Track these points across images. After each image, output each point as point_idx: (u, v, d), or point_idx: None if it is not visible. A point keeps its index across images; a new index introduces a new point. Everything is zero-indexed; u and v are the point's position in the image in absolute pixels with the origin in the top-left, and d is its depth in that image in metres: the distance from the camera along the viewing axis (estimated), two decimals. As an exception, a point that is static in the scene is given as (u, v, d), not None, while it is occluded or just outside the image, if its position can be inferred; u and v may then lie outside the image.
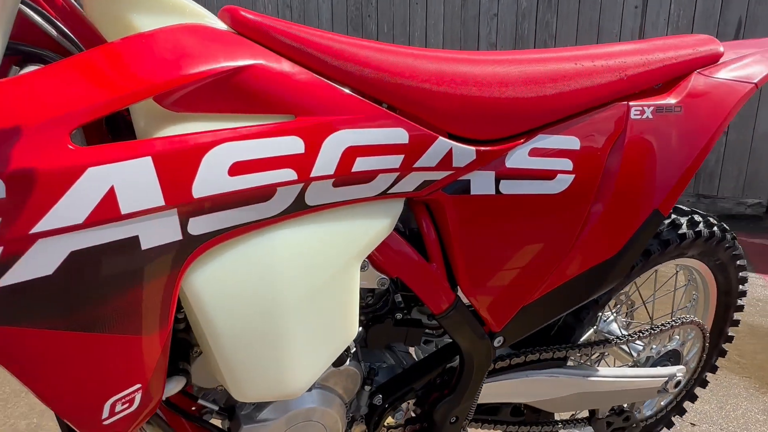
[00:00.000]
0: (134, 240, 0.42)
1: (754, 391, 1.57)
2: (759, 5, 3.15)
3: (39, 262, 0.39)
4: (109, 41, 0.49)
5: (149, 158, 0.42)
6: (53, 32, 0.48)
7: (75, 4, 0.55)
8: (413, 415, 0.79)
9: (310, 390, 0.65)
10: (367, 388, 0.72)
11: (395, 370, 0.77)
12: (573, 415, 1.12)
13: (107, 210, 0.40)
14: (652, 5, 3.40)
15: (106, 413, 0.45)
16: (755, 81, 0.81)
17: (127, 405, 0.46)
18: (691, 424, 1.43)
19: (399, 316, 0.71)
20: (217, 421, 0.71)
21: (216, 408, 0.65)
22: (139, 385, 0.46)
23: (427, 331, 0.74)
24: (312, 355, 0.55)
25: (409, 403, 0.77)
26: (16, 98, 0.37)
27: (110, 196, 0.40)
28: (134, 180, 0.41)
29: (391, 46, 0.61)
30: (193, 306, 0.48)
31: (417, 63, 0.60)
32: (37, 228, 0.38)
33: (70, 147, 0.38)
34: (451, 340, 0.80)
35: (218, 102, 0.47)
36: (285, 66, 0.51)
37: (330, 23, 4.39)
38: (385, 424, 0.76)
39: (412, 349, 0.89)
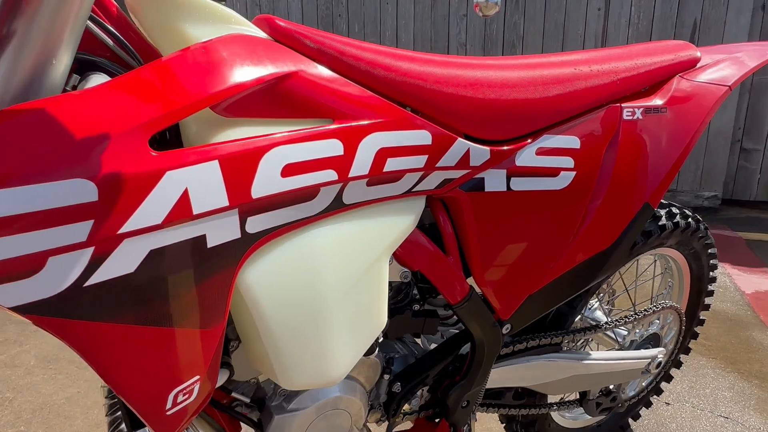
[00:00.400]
0: (202, 239, 0.45)
1: (720, 370, 1.69)
2: (712, 9, 3.33)
3: (123, 261, 0.41)
4: (160, 49, 0.51)
5: (216, 162, 0.44)
6: (109, 41, 0.50)
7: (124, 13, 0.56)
8: (427, 401, 0.83)
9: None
10: (386, 376, 0.76)
11: (408, 360, 0.81)
12: (562, 398, 1.19)
13: (182, 211, 0.42)
14: (614, 8, 3.55)
15: (169, 404, 0.47)
16: (729, 84, 0.88)
17: (187, 396, 0.49)
18: (666, 403, 1.53)
19: (416, 307, 0.75)
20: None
21: (247, 400, 0.67)
22: (198, 377, 0.49)
23: (442, 321, 0.79)
24: (350, 343, 0.58)
25: (423, 389, 0.81)
26: (100, 108, 0.39)
27: (184, 198, 0.42)
28: (204, 182, 0.43)
29: (413, 53, 0.65)
30: (246, 299, 0.51)
31: (437, 69, 0.64)
32: (124, 229, 0.40)
33: (152, 153, 0.41)
34: (460, 330, 0.85)
35: (264, 107, 0.50)
36: (323, 73, 0.54)
37: (300, 22, 4.38)
38: (402, 410, 0.80)
39: (418, 340, 0.93)
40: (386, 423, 0.81)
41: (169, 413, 0.47)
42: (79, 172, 0.37)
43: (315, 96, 0.53)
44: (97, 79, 0.44)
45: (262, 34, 0.54)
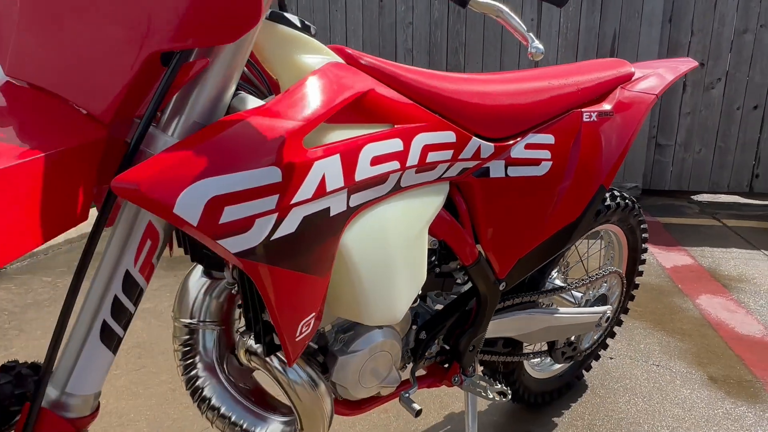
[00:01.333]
0: (327, 209, 0.62)
1: (650, 330, 2.01)
2: (628, 21, 3.77)
3: (290, 224, 0.57)
4: (276, 74, 0.67)
5: (338, 155, 0.62)
6: (246, 69, 0.66)
7: None
8: (441, 348, 1.03)
9: (381, 328, 0.87)
10: (414, 327, 0.96)
11: (428, 314, 1.01)
12: (535, 349, 1.43)
13: (321, 189, 0.60)
14: (545, 19, 3.92)
15: (298, 333, 0.64)
16: (657, 93, 1.15)
17: (306, 328, 0.65)
18: (610, 357, 1.82)
19: (437, 270, 0.95)
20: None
21: (315, 347, 0.84)
22: (314, 314, 0.66)
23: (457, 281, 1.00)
24: (407, 289, 0.77)
25: (440, 338, 1.01)
26: (274, 119, 0.56)
27: (323, 180, 0.60)
28: (333, 169, 0.61)
29: (443, 74, 0.85)
30: (344, 254, 0.68)
31: (457, 86, 0.85)
32: (293, 201, 0.57)
33: (305, 149, 0.58)
34: (464, 291, 1.06)
35: (351, 115, 0.68)
36: (385, 90, 0.73)
37: (250, 27, 4.46)
38: (425, 355, 1.00)
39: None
40: (405, 369, 1.00)
41: (296, 340, 0.64)
42: (270, 162, 0.54)
43: (383, 107, 0.72)
44: (245, 98, 0.61)
45: (338, 59, 0.72)
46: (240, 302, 0.88)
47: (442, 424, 1.47)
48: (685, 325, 2.05)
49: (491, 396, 1.08)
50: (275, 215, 0.56)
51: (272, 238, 0.56)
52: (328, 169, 0.61)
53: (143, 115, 0.51)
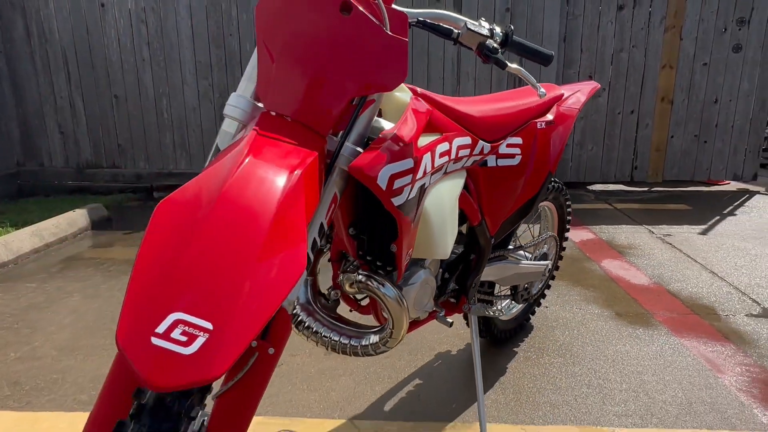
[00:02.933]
0: (424, 184, 1.04)
1: (571, 286, 2.61)
2: (532, 40, 4.48)
3: (413, 191, 0.99)
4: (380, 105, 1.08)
5: (429, 152, 1.05)
6: None
7: None
8: (453, 286, 1.48)
9: (425, 268, 1.30)
10: (441, 269, 1.40)
11: (446, 262, 1.46)
12: (503, 292, 1.92)
13: (424, 171, 1.02)
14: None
15: (404, 260, 1.05)
16: (579, 107, 1.69)
17: (407, 258, 1.07)
18: (545, 306, 2.38)
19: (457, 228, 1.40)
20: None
21: (383, 281, 1.26)
22: (411, 249, 1.08)
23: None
24: (451, 238, 1.20)
25: (454, 278, 1.46)
26: (406, 132, 0.98)
27: (425, 166, 1.03)
28: (427, 159, 1.04)
29: (459, 98, 1.30)
30: (425, 212, 1.11)
31: (468, 106, 1.30)
32: (416, 177, 0.99)
33: (419, 149, 1.01)
34: (466, 245, 1.51)
35: (426, 129, 1.12)
36: (437, 113, 1.17)
37: (190, 41, 4.64)
38: (446, 290, 1.44)
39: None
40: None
41: (403, 265, 1.06)
42: (409, 155, 0.97)
43: (437, 122, 1.15)
44: (380, 120, 1.02)
45: (409, 93, 1.14)
46: (330, 257, 1.27)
47: (442, 366, 1.92)
48: (595, 281, 2.67)
49: (490, 314, 1.56)
50: (410, 186, 0.98)
51: (407, 199, 0.98)
52: (426, 160, 1.04)
53: (339, 131, 0.91)
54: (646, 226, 3.64)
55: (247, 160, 0.73)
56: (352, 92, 0.90)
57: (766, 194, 4.59)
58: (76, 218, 3.63)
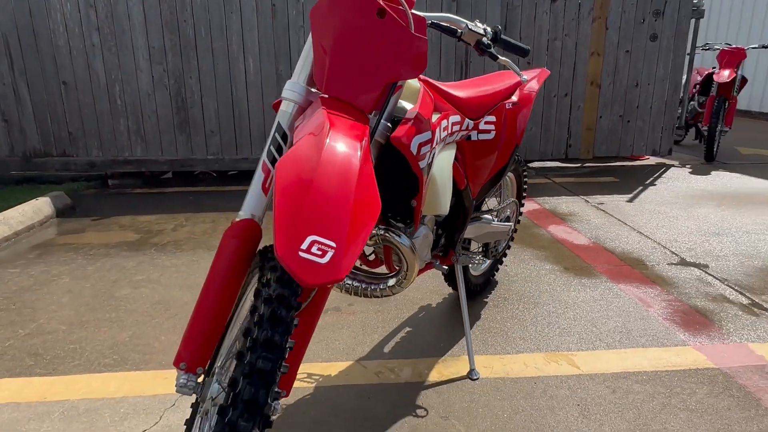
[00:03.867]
0: (435, 151, 1.31)
1: (524, 248, 2.98)
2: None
3: (430, 158, 1.25)
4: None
5: (439, 126, 1.32)
6: None
7: None
8: (443, 242, 1.77)
9: (425, 225, 1.57)
10: (436, 227, 1.68)
11: (438, 221, 1.74)
12: (477, 249, 2.24)
13: (435, 143, 1.29)
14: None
15: (422, 214, 1.33)
16: (536, 90, 2.01)
17: (421, 212, 1.35)
18: (505, 265, 2.73)
19: (446, 193, 1.68)
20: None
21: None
22: (416, 202, 1.35)
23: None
24: (450, 197, 1.49)
25: (444, 235, 1.75)
26: (425, 111, 1.24)
27: (437, 138, 1.29)
28: (438, 132, 1.30)
29: (449, 84, 1.57)
30: (432, 174, 1.38)
31: (457, 90, 1.58)
32: (432, 146, 1.25)
33: (434, 123, 1.27)
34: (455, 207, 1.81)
35: (433, 108, 1.38)
36: (437, 96, 1.44)
37: (143, 26, 4.62)
38: (439, 244, 1.73)
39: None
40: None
41: (420, 217, 1.34)
42: (428, 129, 1.22)
43: (438, 103, 1.42)
44: (402, 102, 1.27)
45: (417, 83, 1.40)
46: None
47: (426, 315, 2.22)
48: (544, 243, 3.06)
49: (475, 263, 1.87)
50: (429, 152, 1.25)
51: (427, 163, 1.25)
52: (438, 133, 1.30)
53: (379, 110, 1.17)
54: (582, 197, 4.10)
55: (330, 131, 0.97)
56: (387, 79, 1.15)
57: (679, 167, 5.23)
58: (41, 206, 3.62)
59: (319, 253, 0.82)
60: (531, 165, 5.40)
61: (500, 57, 1.45)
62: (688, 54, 5.53)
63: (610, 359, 1.87)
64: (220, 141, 4.91)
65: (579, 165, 5.38)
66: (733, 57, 5.46)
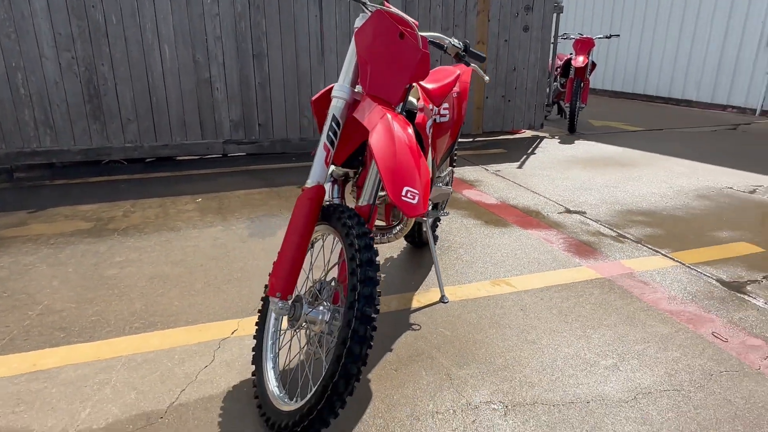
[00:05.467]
0: (427, 123, 1.82)
1: (450, 209, 3.63)
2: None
3: (431, 125, 1.76)
4: None
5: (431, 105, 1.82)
6: None
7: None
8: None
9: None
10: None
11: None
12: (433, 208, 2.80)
13: (427, 117, 1.79)
14: (326, 15, 5.19)
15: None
16: (468, 81, 2.60)
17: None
18: (441, 223, 3.35)
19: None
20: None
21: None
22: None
23: None
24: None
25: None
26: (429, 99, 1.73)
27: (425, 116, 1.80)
28: (428, 112, 1.81)
29: (429, 81, 2.08)
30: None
31: (427, 84, 2.10)
32: (433, 116, 1.76)
33: (429, 108, 1.77)
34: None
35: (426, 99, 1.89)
36: (422, 92, 1.94)
37: (46, 12, 4.46)
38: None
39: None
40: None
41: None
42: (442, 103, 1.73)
43: (425, 96, 1.93)
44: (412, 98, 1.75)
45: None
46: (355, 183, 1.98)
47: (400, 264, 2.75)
48: (463, 204, 3.74)
49: (441, 216, 2.43)
50: (431, 131, 1.75)
51: (431, 129, 1.76)
52: (429, 111, 1.82)
53: (398, 103, 1.65)
54: (482, 166, 4.88)
55: (392, 119, 1.45)
56: (406, 82, 1.64)
57: (550, 138, 6.27)
58: (-31, 202, 3.49)
59: (411, 197, 1.31)
60: (432, 141, 6.10)
61: (472, 64, 1.99)
62: (552, 43, 6.58)
63: (534, 279, 2.56)
64: (138, 128, 4.92)
65: (471, 140, 6.20)
66: (584, 45, 6.60)
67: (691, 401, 1.69)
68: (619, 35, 8.16)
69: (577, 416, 1.62)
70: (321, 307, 1.56)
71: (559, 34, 7.19)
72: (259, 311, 1.80)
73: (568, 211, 3.59)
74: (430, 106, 1.96)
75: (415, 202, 1.33)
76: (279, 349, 1.75)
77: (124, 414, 1.64)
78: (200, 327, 2.14)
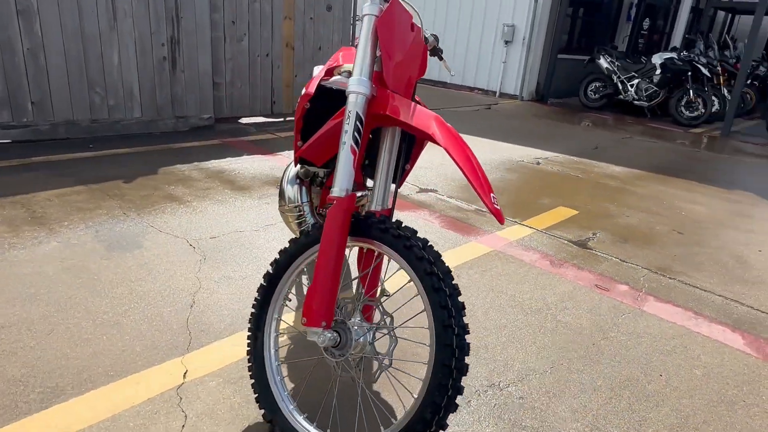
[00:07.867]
0: None
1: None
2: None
3: None
4: None
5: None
6: None
7: None
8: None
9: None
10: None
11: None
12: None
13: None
14: (119, 10, 4.27)
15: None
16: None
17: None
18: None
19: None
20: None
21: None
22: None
23: None
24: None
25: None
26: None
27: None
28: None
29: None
30: None
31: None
32: None
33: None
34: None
35: None
36: None
37: None
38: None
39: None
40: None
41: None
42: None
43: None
44: None
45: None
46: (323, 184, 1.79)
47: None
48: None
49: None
50: None
51: None
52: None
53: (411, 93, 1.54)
54: (314, 148, 4.80)
55: (413, 104, 1.38)
56: (417, 78, 1.54)
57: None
58: None
59: (495, 202, 1.28)
60: (241, 121, 5.71)
61: (442, 57, 1.95)
62: (352, 24, 6.75)
63: (448, 258, 2.72)
64: None
65: (282, 120, 6.01)
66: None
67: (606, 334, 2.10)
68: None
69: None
70: (364, 329, 1.42)
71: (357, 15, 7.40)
72: (249, 344, 1.52)
73: (424, 190, 3.85)
74: None
75: (498, 206, 1.32)
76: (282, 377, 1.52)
77: None
78: (135, 378, 1.67)
